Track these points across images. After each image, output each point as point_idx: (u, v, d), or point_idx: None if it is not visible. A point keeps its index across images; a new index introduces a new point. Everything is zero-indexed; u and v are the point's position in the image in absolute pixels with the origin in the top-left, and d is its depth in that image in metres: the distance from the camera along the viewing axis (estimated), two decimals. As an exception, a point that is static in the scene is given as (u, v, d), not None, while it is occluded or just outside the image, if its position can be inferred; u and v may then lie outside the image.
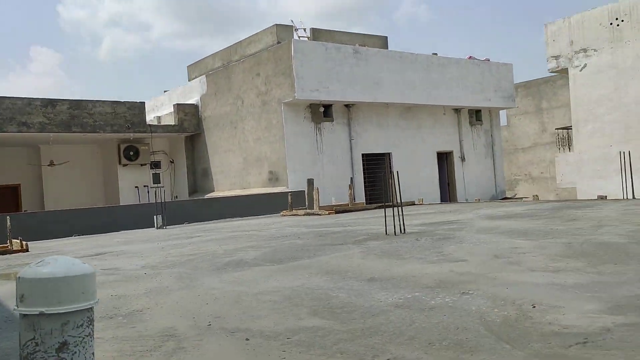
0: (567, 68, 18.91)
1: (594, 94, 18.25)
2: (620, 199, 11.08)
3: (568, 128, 21.20)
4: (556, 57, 19.05)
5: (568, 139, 21.51)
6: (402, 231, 7.58)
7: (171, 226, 13.05)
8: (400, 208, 7.66)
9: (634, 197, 11.02)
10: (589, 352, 2.44)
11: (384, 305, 3.60)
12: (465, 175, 21.42)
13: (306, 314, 3.54)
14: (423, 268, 4.86)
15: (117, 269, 6.23)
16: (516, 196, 24.31)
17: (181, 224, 13.83)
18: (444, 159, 21.31)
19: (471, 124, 21.65)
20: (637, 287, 3.51)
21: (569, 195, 22.03)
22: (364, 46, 19.11)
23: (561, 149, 22.03)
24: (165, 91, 24.01)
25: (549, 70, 19.57)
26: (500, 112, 23.47)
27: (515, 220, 8.29)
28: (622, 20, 17.30)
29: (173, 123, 20.42)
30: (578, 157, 18.72)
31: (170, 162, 21.65)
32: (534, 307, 3.25)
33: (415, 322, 3.14)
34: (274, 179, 17.58)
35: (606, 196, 11.72)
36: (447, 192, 21.35)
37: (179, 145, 21.50)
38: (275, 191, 16.72)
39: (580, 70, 18.54)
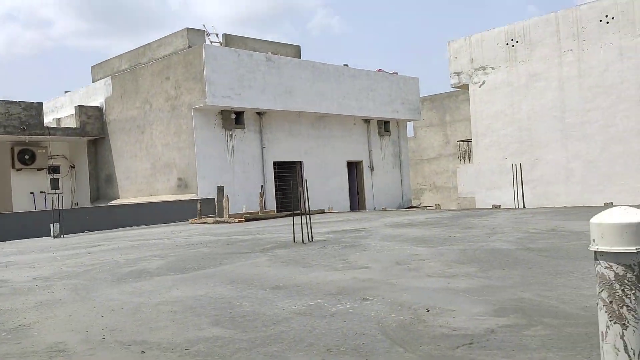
0: (467, 84, 20.09)
1: (491, 109, 19.53)
2: (513, 208, 11.92)
3: (468, 141, 22.50)
4: (458, 73, 20.19)
5: (468, 151, 22.83)
6: (310, 239, 7.67)
7: (70, 235, 12.31)
8: (308, 216, 7.75)
9: (524, 207, 11.88)
10: (473, 352, 2.60)
11: (286, 313, 3.62)
12: (374, 184, 22.07)
13: (207, 323, 3.47)
14: (327, 275, 4.94)
15: (4, 282, 5.78)
16: (421, 205, 25.39)
17: (81, 232, 13.09)
18: (353, 168, 21.83)
19: (380, 134, 22.38)
20: (520, 290, 3.79)
21: (469, 205, 23.36)
22: (277, 54, 19.19)
23: (462, 160, 23.34)
24: (66, 92, 22.68)
25: (451, 85, 20.69)
26: (408, 123, 24.47)
27: (417, 228, 8.66)
28: (517, 42, 18.69)
29: (74, 126, 19.32)
30: (477, 168, 19.91)
31: (71, 167, 20.45)
32: (428, 311, 3.41)
33: (316, 329, 3.18)
34: (183, 185, 17.13)
35: (500, 205, 12.56)
36: (357, 201, 21.88)
37: (80, 150, 20.37)
38: (185, 198, 16.29)
39: (480, 87, 19.78)
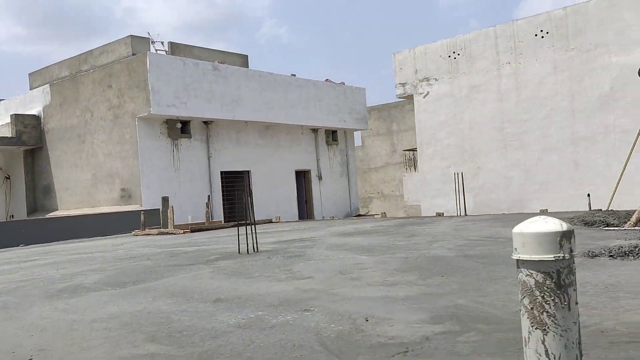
0: (412, 94, 20.56)
1: (435, 119, 20.04)
2: (455, 216, 12.25)
3: (414, 150, 22.99)
4: (403, 84, 20.63)
5: (414, 159, 23.32)
6: (256, 250, 7.60)
7: (4, 249, 11.71)
8: (253, 227, 7.68)
9: (466, 214, 12.23)
10: (408, 360, 2.64)
11: (225, 326, 3.57)
12: (322, 193, 22.17)
13: (143, 340, 3.37)
14: (270, 286, 4.91)
15: None
16: (368, 213, 25.69)
17: (16, 246, 12.48)
18: (302, 177, 21.87)
19: (328, 143, 22.55)
20: (457, 297, 3.89)
21: (415, 212, 23.82)
22: (224, 63, 19.05)
23: (408, 169, 23.81)
24: (1, 100, 21.66)
25: (397, 96, 21.11)
26: (355, 133, 24.78)
27: (363, 237, 8.75)
28: (458, 54, 19.30)
29: (10, 135, 18.46)
30: (422, 177, 20.36)
31: (6, 178, 19.52)
32: (367, 320, 3.44)
33: (255, 342, 3.15)
34: (126, 196, 16.65)
35: (443, 213, 12.88)
36: (305, 210, 21.91)
37: (16, 160, 19.48)
38: (128, 210, 15.84)
39: (424, 97, 20.27)
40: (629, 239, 6.02)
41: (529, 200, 17.28)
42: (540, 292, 1.98)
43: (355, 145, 25.52)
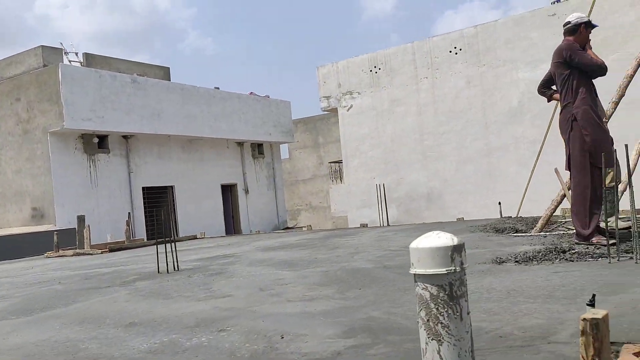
0: (336, 108, 20.94)
1: (359, 132, 20.50)
2: (378, 227, 12.55)
3: (339, 162, 23.37)
4: (327, 97, 20.97)
5: (340, 171, 23.69)
6: (176, 268, 7.41)
7: None
8: (174, 244, 7.50)
9: (388, 224, 12.55)
10: (318, 376, 2.67)
11: (136, 352, 3.45)
12: (249, 207, 22.01)
13: (45, 372, 3.19)
14: (188, 307, 4.80)
15: None
16: (297, 226, 25.76)
17: None
18: (228, 192, 21.62)
19: (254, 157, 22.45)
20: (371, 310, 3.97)
21: (342, 223, 24.16)
22: (144, 76, 18.56)
23: (334, 180, 24.15)
24: None
25: (321, 109, 21.43)
26: (282, 145, 24.85)
27: (286, 251, 8.75)
28: (379, 69, 19.89)
29: None
30: (347, 188, 20.71)
31: None
32: (282, 337, 3.44)
33: (166, 367, 3.07)
34: (38, 216, 15.75)
35: (367, 224, 13.16)
36: (232, 224, 21.64)
37: None
38: (40, 230, 14.97)
39: (347, 111, 20.69)
40: (534, 245, 6.41)
41: (448, 208, 18.02)
42: (434, 304, 2.07)
43: (283, 158, 25.59)
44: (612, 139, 6.04)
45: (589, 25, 6.09)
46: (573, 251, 5.61)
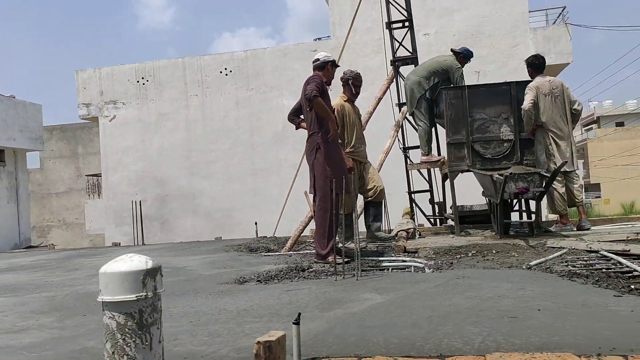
0: (98, 117, 19.37)
1: (122, 143, 19.26)
2: (132, 245, 11.82)
3: (99, 175, 21.61)
4: (87, 105, 19.29)
5: (98, 185, 21.90)
6: None
7: None
8: None
9: (144, 243, 11.91)
10: None
11: None
12: (-18, 222, 18.81)
13: None
14: None
15: None
16: (42, 244, 22.95)
17: None
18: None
19: (-8, 164, 19.34)
20: (87, 339, 3.56)
21: (101, 242, 22.25)
22: None
23: (92, 195, 22.21)
24: None
25: (80, 117, 19.63)
26: (29, 153, 21.95)
27: (15, 274, 7.59)
28: (147, 80, 19.07)
29: None
30: (107, 203, 19.21)
31: None
32: (-37, 382, 2.84)
33: None
34: None
35: (120, 243, 12.30)
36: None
37: None
38: None
39: (110, 121, 19.30)
40: (278, 264, 6.65)
41: (215, 227, 17.96)
42: (121, 334, 1.87)
43: (31, 167, 22.59)
44: (351, 168, 6.67)
45: (334, 65, 6.69)
46: (311, 270, 5.96)
